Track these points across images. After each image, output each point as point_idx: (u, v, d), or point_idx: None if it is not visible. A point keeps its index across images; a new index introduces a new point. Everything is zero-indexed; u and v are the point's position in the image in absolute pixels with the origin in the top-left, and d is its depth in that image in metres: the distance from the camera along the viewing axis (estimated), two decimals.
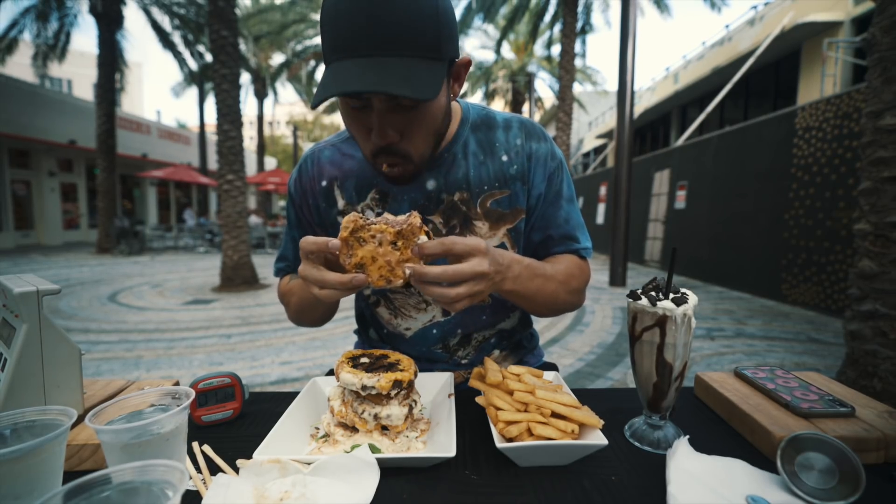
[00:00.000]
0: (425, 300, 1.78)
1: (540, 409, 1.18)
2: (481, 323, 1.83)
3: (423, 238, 1.21)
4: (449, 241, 1.20)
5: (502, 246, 1.70)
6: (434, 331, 1.81)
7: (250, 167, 44.62)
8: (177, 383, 1.56)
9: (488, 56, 66.80)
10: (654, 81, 32.15)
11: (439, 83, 1.29)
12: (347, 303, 1.93)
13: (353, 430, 1.26)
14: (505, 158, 1.68)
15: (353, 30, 1.22)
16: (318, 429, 1.34)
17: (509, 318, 1.90)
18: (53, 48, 24.44)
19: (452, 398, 1.37)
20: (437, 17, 1.25)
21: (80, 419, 1.31)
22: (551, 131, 39.82)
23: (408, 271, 1.19)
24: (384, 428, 1.26)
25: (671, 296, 1.20)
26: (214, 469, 1.15)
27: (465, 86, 45.02)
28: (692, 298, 1.20)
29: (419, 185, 1.65)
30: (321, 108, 47.74)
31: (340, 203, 1.75)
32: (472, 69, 44.46)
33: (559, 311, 1.69)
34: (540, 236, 1.75)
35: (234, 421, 1.46)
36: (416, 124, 1.39)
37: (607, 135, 36.14)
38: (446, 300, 1.21)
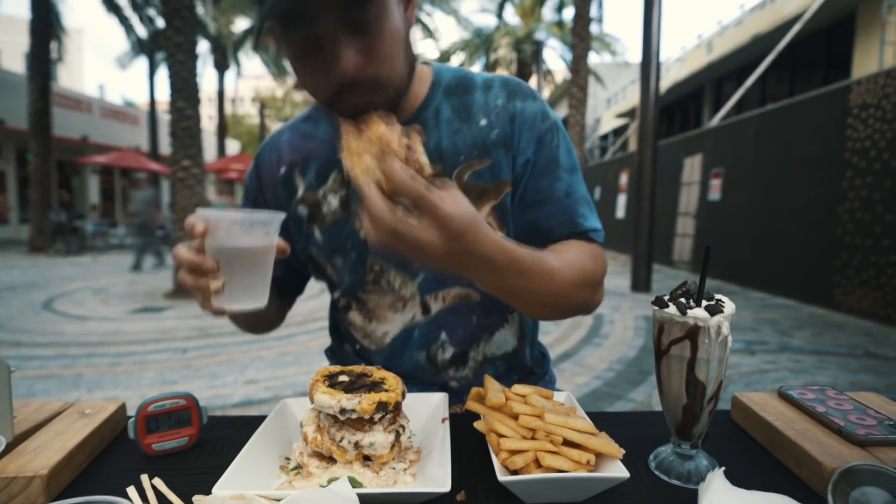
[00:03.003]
0: (401, 296, 1.74)
1: (550, 435, 1.17)
2: (471, 327, 1.77)
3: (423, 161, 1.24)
4: (428, 202, 1.11)
5: None
6: (415, 333, 1.77)
7: (209, 152, 44.57)
8: (122, 406, 1.55)
9: (489, 21, 67.03)
10: (683, 51, 32.29)
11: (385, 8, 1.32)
12: (321, 312, 1.93)
13: (331, 460, 1.25)
14: (484, 122, 1.64)
15: None
16: (288, 459, 1.33)
17: (506, 328, 1.82)
18: None
19: (447, 423, 1.36)
20: None
21: (10, 448, 1.30)
22: (563, 110, 39.87)
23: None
24: (367, 458, 1.25)
25: (704, 303, 1.19)
26: None
27: (461, 56, 45.15)
28: (729, 306, 1.19)
29: None
30: (291, 82, 47.80)
31: (300, 190, 1.75)
32: (469, 37, 44.64)
33: (569, 311, 1.61)
34: (535, 216, 1.66)
35: (191, 449, 1.44)
36: (379, 41, 1.34)
37: (629, 113, 36.27)
38: (369, 225, 1.14)
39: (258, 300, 1.31)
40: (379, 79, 1.38)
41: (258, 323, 1.89)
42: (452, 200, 1.14)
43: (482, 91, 1.67)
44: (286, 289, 1.96)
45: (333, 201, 1.70)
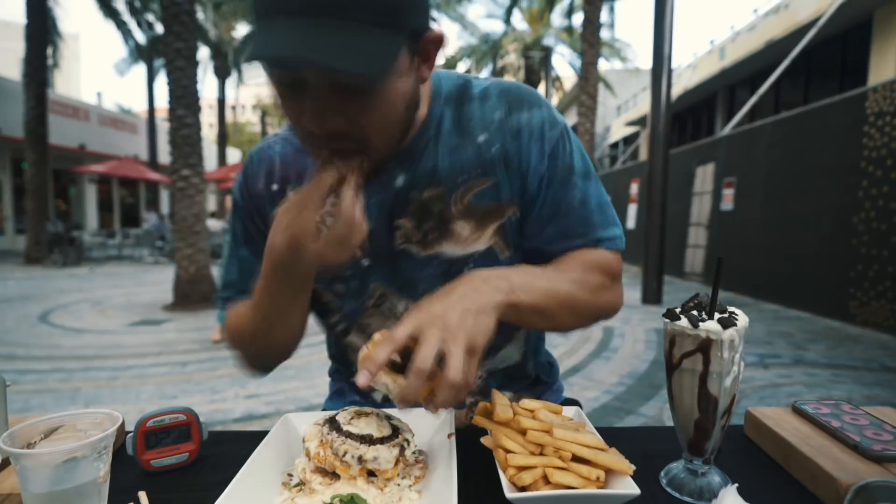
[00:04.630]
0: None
1: (558, 451, 1.17)
2: None
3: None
4: (417, 369, 1.11)
5: (490, 251, 1.62)
6: None
7: (210, 160, 44.51)
8: (121, 421, 1.55)
9: (496, 27, 67.03)
10: (695, 57, 32.23)
11: (392, 58, 1.21)
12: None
13: (334, 476, 1.25)
14: (482, 138, 1.58)
15: None
16: (291, 475, 1.32)
17: (512, 343, 1.81)
18: None
19: (453, 438, 1.35)
20: None
21: (6, 464, 1.31)
22: (572, 117, 39.82)
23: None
24: (371, 474, 1.25)
25: (717, 315, 1.18)
26: None
27: (468, 63, 45.17)
28: (742, 319, 1.19)
29: (386, 181, 1.57)
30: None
31: None
32: (477, 43, 44.70)
33: (588, 321, 1.61)
34: (551, 231, 1.62)
35: (191, 466, 1.44)
36: (367, 112, 1.28)
37: (639, 121, 36.22)
38: (458, 388, 1.12)
39: None
40: (363, 146, 1.34)
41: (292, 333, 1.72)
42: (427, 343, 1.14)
43: (479, 102, 1.61)
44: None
45: None
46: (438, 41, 1.34)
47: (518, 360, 1.84)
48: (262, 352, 1.72)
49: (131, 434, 1.37)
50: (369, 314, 1.73)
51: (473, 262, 1.61)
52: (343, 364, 1.96)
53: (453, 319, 1.18)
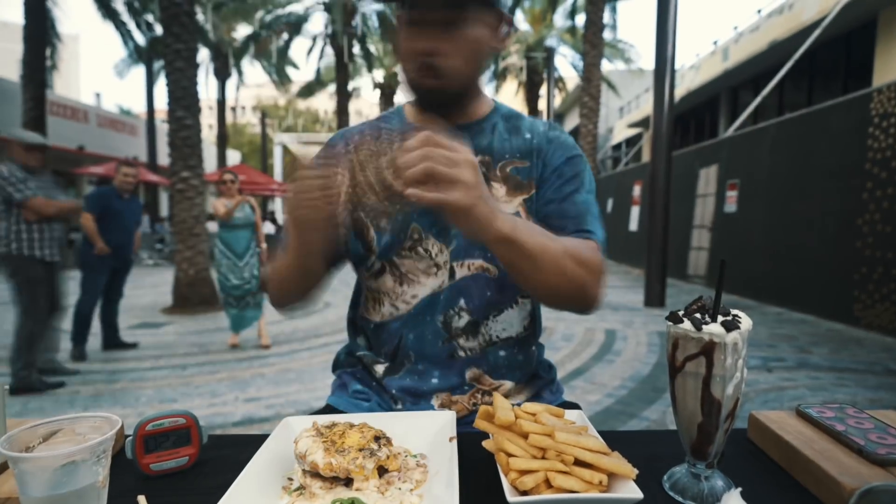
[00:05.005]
0: (436, 263, 1.91)
1: (560, 455, 1.17)
2: (485, 299, 1.91)
3: None
4: (433, 135, 1.37)
5: (517, 215, 1.85)
6: (441, 297, 1.91)
7: (209, 162, 44.44)
8: (120, 425, 1.54)
9: None
10: (698, 58, 32.22)
11: (492, 15, 1.78)
12: (325, 329, 1.93)
13: (335, 480, 1.25)
14: (528, 136, 1.96)
15: None
16: (291, 479, 1.32)
17: (515, 309, 1.96)
18: None
19: (454, 442, 1.36)
20: None
21: (4, 468, 1.30)
22: (574, 118, 39.95)
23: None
24: (382, 471, 1.26)
25: (720, 318, 1.18)
26: None
27: None
28: (745, 321, 1.19)
29: None
30: (294, 90, 48.09)
31: None
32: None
33: (570, 288, 1.68)
34: (552, 210, 1.89)
35: (190, 470, 1.44)
36: (465, 43, 1.73)
37: (642, 123, 36.22)
38: (432, 173, 1.32)
39: None
40: (453, 69, 1.75)
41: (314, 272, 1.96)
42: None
43: (529, 121, 2.02)
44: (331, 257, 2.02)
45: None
46: (510, 22, 1.90)
47: (520, 333, 1.98)
48: (287, 291, 1.97)
49: (130, 438, 1.37)
50: (404, 255, 1.92)
51: None
52: (359, 330, 2.15)
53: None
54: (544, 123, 2.02)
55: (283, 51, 40.84)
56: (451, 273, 1.91)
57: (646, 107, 34.09)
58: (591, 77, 24.25)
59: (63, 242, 7.63)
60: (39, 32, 22.80)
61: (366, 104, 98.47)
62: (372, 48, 40.51)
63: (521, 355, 2.00)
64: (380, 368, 1.99)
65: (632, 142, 43.12)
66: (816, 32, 17.34)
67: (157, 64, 34.57)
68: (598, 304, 1.79)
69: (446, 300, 1.91)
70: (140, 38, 33.80)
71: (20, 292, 7.34)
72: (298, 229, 1.72)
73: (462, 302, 1.91)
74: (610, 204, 28.15)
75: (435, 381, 1.91)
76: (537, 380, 2.05)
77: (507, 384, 1.94)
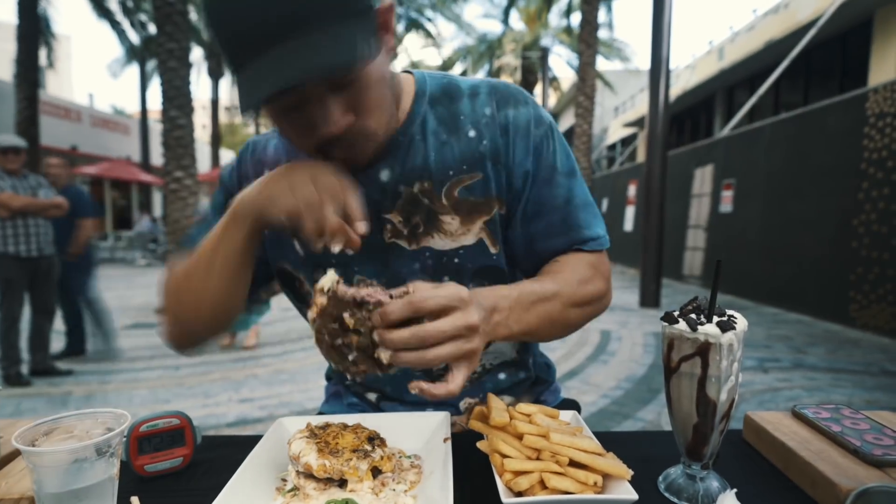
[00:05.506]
0: None
1: (555, 456, 1.17)
2: None
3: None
4: (417, 300, 1.17)
5: (481, 244, 1.64)
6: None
7: (203, 162, 44.44)
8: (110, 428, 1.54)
9: (494, 27, 67.13)
10: (694, 58, 32.25)
11: (365, 40, 1.28)
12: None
13: (328, 481, 1.25)
14: (473, 133, 1.62)
15: (249, 18, 1.22)
16: (285, 480, 1.32)
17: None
18: None
19: (449, 443, 1.35)
20: None
21: (5, 462, 1.31)
22: (569, 118, 39.84)
23: (384, 356, 1.19)
24: (376, 472, 1.26)
25: (715, 319, 1.18)
26: None
27: (465, 64, 45.18)
28: (741, 322, 1.19)
29: (372, 175, 1.60)
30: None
31: None
32: (474, 43, 44.71)
33: (579, 327, 1.66)
34: (535, 228, 1.66)
35: (184, 471, 1.44)
36: (365, 95, 1.37)
37: (637, 123, 36.25)
38: (425, 365, 1.18)
39: None
40: (367, 132, 1.43)
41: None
42: (435, 288, 1.21)
43: (468, 99, 1.65)
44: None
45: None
46: (391, 8, 1.42)
47: (514, 357, 1.84)
48: (193, 311, 1.61)
49: (124, 439, 1.36)
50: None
51: (462, 256, 1.64)
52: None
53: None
54: (489, 96, 1.64)
55: None
56: None
57: (641, 106, 34.12)
58: (587, 76, 24.27)
59: (49, 238, 7.62)
60: (33, 32, 22.76)
61: None
62: None
63: (521, 372, 1.88)
64: (372, 396, 1.86)
65: (627, 141, 43.22)
66: (812, 32, 17.34)
67: (151, 63, 34.55)
68: (605, 309, 1.73)
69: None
70: (134, 37, 33.80)
71: None
72: (250, 225, 1.43)
73: None
74: (605, 204, 28.16)
75: (430, 409, 1.69)
76: (538, 385, 1.97)
77: (507, 399, 1.82)
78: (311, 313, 1.21)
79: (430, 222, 1.61)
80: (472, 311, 1.21)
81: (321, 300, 1.20)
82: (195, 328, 1.66)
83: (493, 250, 1.65)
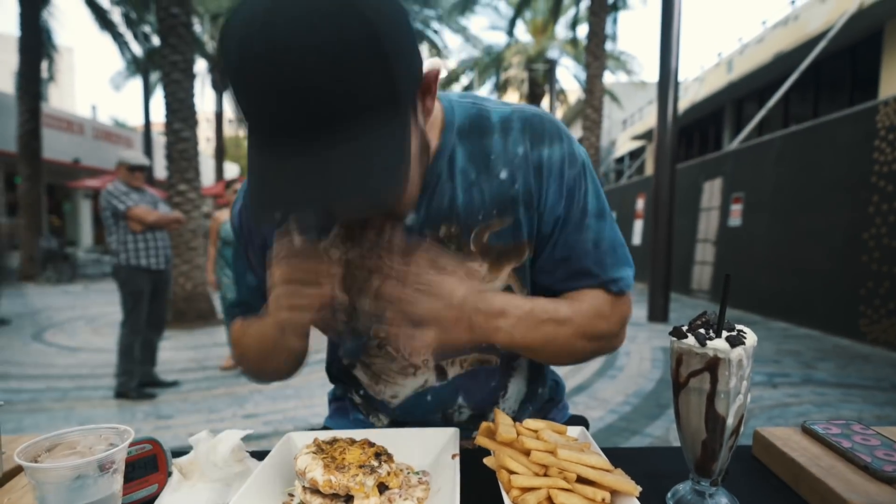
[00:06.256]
0: (412, 364, 1.66)
1: (563, 472, 1.17)
2: (489, 390, 1.72)
3: None
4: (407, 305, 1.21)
5: (507, 289, 1.59)
6: (428, 398, 1.70)
7: (207, 175, 44.41)
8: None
9: (499, 39, 67.08)
10: (702, 70, 32.25)
11: (406, 143, 1.20)
12: (323, 344, 1.89)
13: (335, 497, 1.24)
14: (504, 175, 1.52)
15: (275, 109, 1.09)
16: (292, 495, 1.32)
17: (515, 377, 1.76)
18: None
19: (457, 459, 1.35)
20: (382, 53, 1.08)
21: (6, 479, 1.31)
22: (577, 131, 39.71)
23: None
24: (383, 488, 1.25)
25: (724, 334, 1.18)
26: None
27: (471, 76, 45.20)
28: (750, 337, 1.19)
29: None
30: None
31: (297, 241, 1.61)
32: (480, 55, 44.70)
33: (581, 361, 1.66)
34: (563, 272, 1.61)
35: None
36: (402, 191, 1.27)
37: (645, 135, 36.24)
38: (405, 308, 1.21)
39: None
40: (393, 216, 1.47)
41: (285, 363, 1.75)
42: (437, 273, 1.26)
43: (500, 135, 1.54)
44: None
45: (336, 254, 1.59)
46: (437, 76, 1.31)
47: (527, 392, 1.82)
48: (256, 365, 1.77)
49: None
50: (373, 353, 1.70)
51: None
52: (345, 381, 1.89)
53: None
54: (521, 134, 1.53)
55: None
56: (440, 372, 1.67)
57: (649, 119, 34.12)
58: (594, 89, 24.23)
59: (170, 252, 7.88)
60: (35, 44, 22.85)
61: None
62: None
63: (534, 402, 1.87)
64: (384, 419, 1.82)
65: (635, 154, 43.19)
66: (822, 44, 17.38)
67: (154, 76, 34.61)
68: (615, 349, 1.73)
69: (438, 400, 1.70)
70: (137, 49, 33.84)
71: (125, 302, 7.72)
72: (281, 330, 1.48)
73: (461, 399, 1.71)
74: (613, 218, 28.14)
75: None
76: (547, 403, 1.96)
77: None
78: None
79: None
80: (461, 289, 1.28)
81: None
82: (268, 378, 1.85)
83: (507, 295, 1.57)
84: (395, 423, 1.78)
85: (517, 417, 1.59)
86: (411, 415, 1.73)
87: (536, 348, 1.46)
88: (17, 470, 1.38)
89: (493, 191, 1.52)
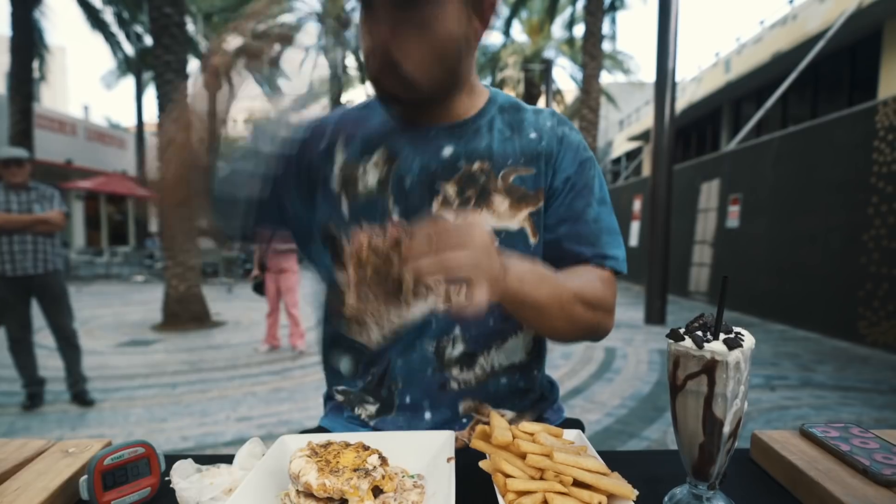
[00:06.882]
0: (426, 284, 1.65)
1: (559, 476, 1.17)
2: (486, 329, 1.77)
3: None
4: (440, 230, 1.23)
5: (522, 232, 1.74)
6: (433, 322, 1.75)
7: None
8: (108, 444, 1.51)
9: (495, 38, 66.89)
10: (700, 70, 32.29)
11: (451, 18, 1.52)
12: (317, 347, 1.89)
13: (329, 501, 1.24)
14: (534, 136, 1.78)
15: None
16: (286, 499, 1.29)
17: (518, 336, 1.82)
18: None
19: (452, 463, 1.35)
20: None
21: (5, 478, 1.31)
22: None
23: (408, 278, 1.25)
24: (377, 492, 1.25)
25: (722, 336, 1.18)
26: None
27: None
28: (748, 339, 1.19)
29: (435, 149, 1.74)
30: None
31: (339, 162, 1.82)
32: (476, 55, 44.71)
33: (580, 332, 1.68)
34: (563, 233, 1.76)
35: (151, 501, 1.39)
36: (416, 30, 1.53)
37: (642, 136, 36.31)
38: (444, 271, 1.20)
39: None
40: (415, 74, 1.58)
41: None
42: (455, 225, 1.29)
43: (532, 113, 1.84)
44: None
45: (371, 178, 1.77)
46: (494, 4, 1.64)
47: (523, 360, 1.84)
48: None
49: (86, 477, 1.31)
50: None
51: (503, 241, 1.72)
52: (343, 350, 1.90)
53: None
54: (550, 116, 1.84)
55: (277, 61, 40.90)
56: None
57: (646, 120, 34.19)
58: (590, 89, 24.22)
59: (44, 255, 7.48)
60: (26, 44, 22.74)
61: None
62: None
63: (524, 381, 1.87)
64: (370, 409, 1.84)
65: (632, 155, 43.24)
66: (821, 44, 17.38)
67: (147, 75, 34.60)
68: (607, 334, 1.78)
69: (438, 327, 1.76)
70: (129, 49, 33.82)
71: None
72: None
73: (458, 330, 1.75)
74: None
75: (428, 415, 1.78)
76: (541, 402, 1.95)
77: (509, 414, 1.82)
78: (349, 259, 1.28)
79: (483, 198, 1.72)
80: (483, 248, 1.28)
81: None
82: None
83: (532, 240, 1.75)
84: (383, 380, 1.82)
85: (510, 408, 1.76)
86: (409, 347, 1.77)
87: (540, 306, 1.48)
88: (8, 474, 1.38)
89: (523, 145, 1.78)
